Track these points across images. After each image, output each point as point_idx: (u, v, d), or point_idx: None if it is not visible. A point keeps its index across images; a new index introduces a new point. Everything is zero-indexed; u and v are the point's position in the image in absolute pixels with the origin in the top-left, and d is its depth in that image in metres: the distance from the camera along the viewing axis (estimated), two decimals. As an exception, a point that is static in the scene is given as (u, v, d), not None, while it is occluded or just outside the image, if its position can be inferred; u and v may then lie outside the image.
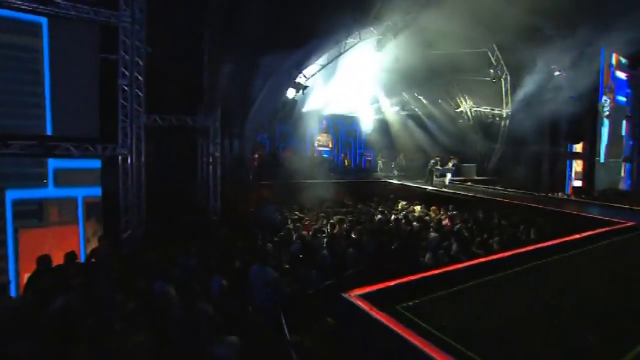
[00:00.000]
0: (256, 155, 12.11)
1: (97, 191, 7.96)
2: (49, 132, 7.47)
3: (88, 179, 7.92)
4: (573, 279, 4.06)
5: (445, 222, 7.97)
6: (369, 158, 19.82)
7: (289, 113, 12.08)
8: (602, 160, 16.15)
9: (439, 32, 12.18)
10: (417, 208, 9.71)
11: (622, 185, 18.12)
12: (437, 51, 13.05)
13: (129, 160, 7.77)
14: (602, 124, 16.26)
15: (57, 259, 5.15)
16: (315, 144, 18.03)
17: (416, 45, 12.40)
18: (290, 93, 11.63)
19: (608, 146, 16.51)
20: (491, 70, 13.32)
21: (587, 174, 16.16)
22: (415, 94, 16.54)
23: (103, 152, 7.58)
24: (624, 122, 18.45)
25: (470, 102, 15.57)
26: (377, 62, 13.18)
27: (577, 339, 2.65)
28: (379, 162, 17.85)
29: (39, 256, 4.87)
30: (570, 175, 15.73)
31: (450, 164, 12.49)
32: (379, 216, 8.35)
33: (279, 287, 4.54)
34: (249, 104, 11.53)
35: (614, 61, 17.07)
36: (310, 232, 6.61)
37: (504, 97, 14.20)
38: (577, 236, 5.55)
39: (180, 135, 8.56)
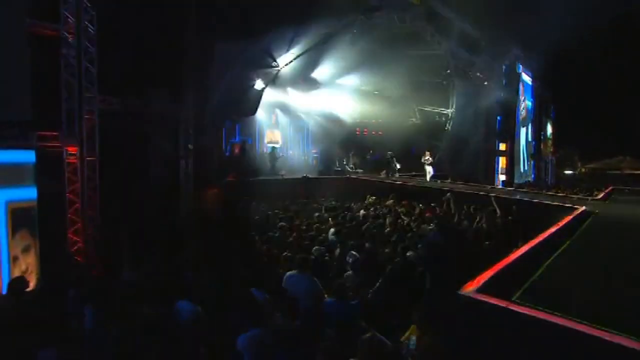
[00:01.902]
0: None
1: (28, 193, 6.03)
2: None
3: (14, 177, 5.95)
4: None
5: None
6: (316, 155, 19.66)
7: (253, 106, 11.09)
8: (522, 158, 18.79)
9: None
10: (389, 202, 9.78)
11: (530, 179, 21.48)
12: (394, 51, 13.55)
13: (78, 153, 6.13)
14: (520, 126, 18.95)
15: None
16: (265, 140, 17.13)
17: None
18: (259, 84, 10.68)
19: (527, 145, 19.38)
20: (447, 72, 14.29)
21: (509, 169, 18.64)
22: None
23: (39, 142, 5.82)
24: (530, 125, 21.88)
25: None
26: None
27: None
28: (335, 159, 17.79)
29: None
30: (498, 170, 17.85)
31: (428, 158, 12.97)
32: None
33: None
34: (206, 93, 10.27)
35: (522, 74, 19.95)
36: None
37: (450, 98, 15.39)
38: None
39: (139, 123, 7.09)
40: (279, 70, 11.05)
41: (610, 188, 13.98)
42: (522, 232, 6.09)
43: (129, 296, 3.69)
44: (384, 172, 14.49)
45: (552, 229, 5.27)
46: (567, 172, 27.41)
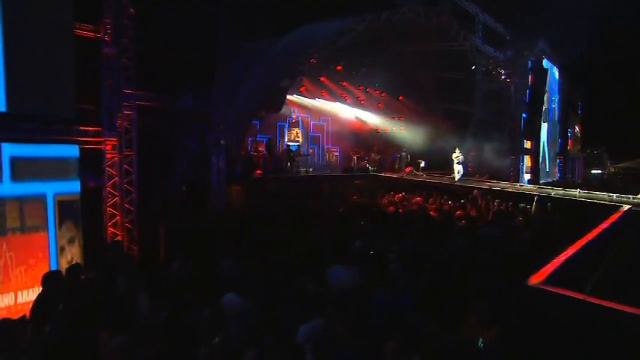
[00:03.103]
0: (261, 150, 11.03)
1: (72, 186, 6.20)
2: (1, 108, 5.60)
3: (60, 170, 6.13)
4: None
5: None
6: (336, 153, 19.61)
7: (279, 103, 11.12)
8: (547, 156, 18.25)
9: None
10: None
11: (556, 177, 20.85)
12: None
13: (117, 148, 6.25)
14: (543, 122, 18.43)
15: (19, 279, 3.84)
16: (286, 138, 17.19)
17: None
18: (284, 82, 10.70)
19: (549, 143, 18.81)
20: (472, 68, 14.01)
21: (534, 169, 18.12)
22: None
23: (82, 136, 5.97)
24: (557, 122, 21.23)
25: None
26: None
27: None
28: (354, 157, 17.70)
29: (45, 274, 3.52)
30: (523, 168, 17.38)
31: (458, 155, 12.76)
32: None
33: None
34: (230, 90, 10.35)
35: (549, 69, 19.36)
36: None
37: (475, 95, 15.08)
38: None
39: (171, 119, 7.19)
40: (303, 69, 11.03)
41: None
42: (563, 229, 5.92)
43: (179, 285, 3.75)
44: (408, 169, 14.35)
45: (603, 226, 5.09)
46: (594, 171, 26.45)
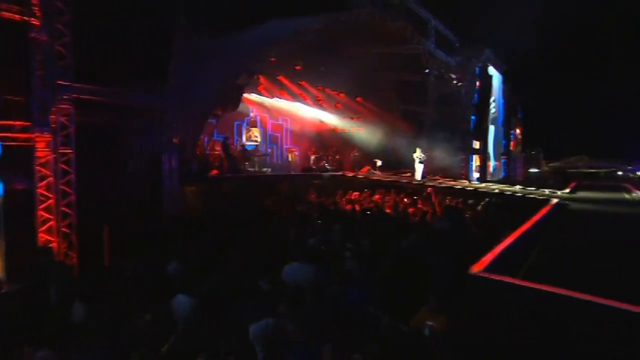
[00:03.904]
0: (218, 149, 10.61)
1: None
2: None
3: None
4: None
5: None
6: (296, 153, 19.57)
7: (237, 102, 10.83)
8: (492, 156, 19.58)
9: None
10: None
11: (501, 175, 22.46)
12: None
13: (51, 145, 5.69)
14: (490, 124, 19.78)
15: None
16: (244, 138, 16.83)
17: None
18: (241, 80, 10.45)
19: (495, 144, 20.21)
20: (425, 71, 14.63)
21: (482, 167, 19.38)
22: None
23: (5, 131, 5.36)
24: (501, 124, 22.88)
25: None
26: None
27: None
28: (313, 157, 17.75)
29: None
30: (473, 167, 18.50)
31: (420, 155, 13.14)
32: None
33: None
34: (184, 88, 9.92)
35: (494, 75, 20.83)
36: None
37: (429, 97, 15.79)
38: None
39: (123, 116, 6.70)
40: (261, 67, 10.85)
41: (574, 183, 15.09)
42: (505, 221, 6.35)
43: (122, 291, 3.47)
44: (365, 169, 14.66)
45: (536, 218, 5.52)
46: (532, 170, 28.88)
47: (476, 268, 2.99)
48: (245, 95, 14.86)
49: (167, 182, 6.95)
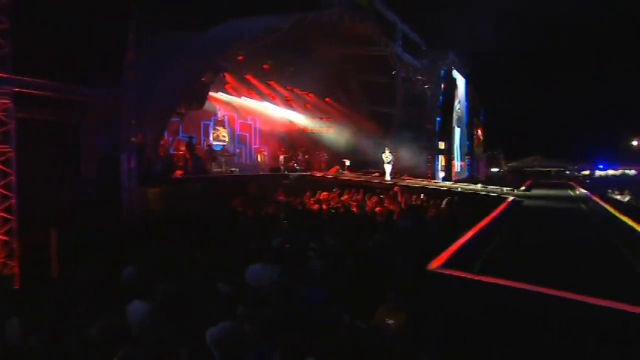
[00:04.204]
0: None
1: None
2: None
3: None
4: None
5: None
6: (265, 153, 19.35)
7: (202, 100, 10.50)
8: (457, 156, 20.39)
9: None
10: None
11: (465, 175, 23.47)
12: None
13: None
14: (456, 127, 20.62)
15: None
16: (211, 137, 16.40)
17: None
18: (207, 77, 10.15)
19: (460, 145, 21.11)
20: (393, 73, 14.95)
21: (447, 167, 20.14)
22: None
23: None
24: (464, 126, 23.92)
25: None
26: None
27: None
28: (281, 157, 17.61)
29: None
30: (439, 167, 19.16)
31: (388, 155, 13.28)
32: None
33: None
34: (146, 85, 9.50)
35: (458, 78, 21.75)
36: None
37: (396, 98, 16.16)
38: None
39: (77, 113, 6.27)
40: (227, 64, 10.61)
41: (529, 182, 16.12)
42: (467, 218, 6.61)
43: (64, 304, 3.22)
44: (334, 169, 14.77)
45: (493, 215, 5.79)
46: (493, 169, 30.46)
47: (434, 264, 3.07)
48: (212, 93, 14.47)
49: (126, 184, 6.59)
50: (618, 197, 9.69)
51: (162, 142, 10.79)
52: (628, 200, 8.82)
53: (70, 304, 3.48)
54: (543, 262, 3.48)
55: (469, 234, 4.10)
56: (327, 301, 3.44)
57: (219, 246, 5.33)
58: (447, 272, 2.88)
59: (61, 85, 5.94)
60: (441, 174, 19.88)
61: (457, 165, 21.93)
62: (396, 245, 4.36)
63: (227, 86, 14.70)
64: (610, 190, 11.23)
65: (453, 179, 19.36)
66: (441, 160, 19.69)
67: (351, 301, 3.76)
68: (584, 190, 9.80)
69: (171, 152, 11.91)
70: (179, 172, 10.38)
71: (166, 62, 9.86)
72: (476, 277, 2.79)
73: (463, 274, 2.82)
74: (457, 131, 21.92)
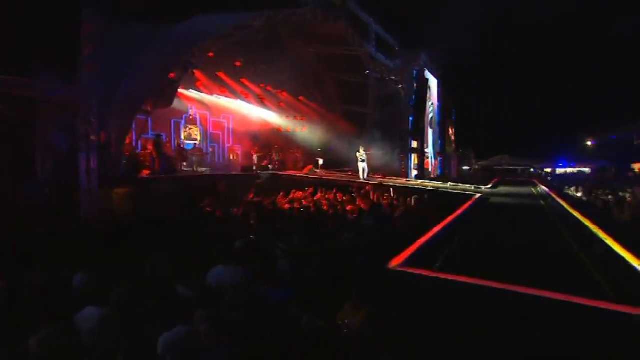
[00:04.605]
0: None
1: None
2: None
3: None
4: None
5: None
6: (239, 152, 19.07)
7: (170, 97, 10.17)
8: (430, 155, 20.89)
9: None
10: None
11: (437, 174, 24.09)
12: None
13: None
14: (429, 127, 21.10)
15: None
16: (182, 136, 15.96)
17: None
18: (175, 74, 9.83)
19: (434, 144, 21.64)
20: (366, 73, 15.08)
21: (420, 165, 20.60)
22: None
23: None
24: (437, 126, 24.54)
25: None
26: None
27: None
28: (255, 156, 17.39)
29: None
30: (412, 165, 19.56)
31: (362, 154, 13.29)
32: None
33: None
34: (110, 81, 9.10)
35: (430, 79, 22.28)
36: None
37: (370, 98, 16.33)
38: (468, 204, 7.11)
39: (32, 109, 5.89)
40: (197, 61, 10.33)
41: (496, 180, 16.83)
42: (435, 215, 6.76)
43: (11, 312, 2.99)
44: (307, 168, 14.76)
45: (458, 212, 5.95)
46: (465, 168, 31.48)
47: (394, 262, 3.09)
48: (183, 91, 14.09)
49: (85, 184, 6.25)
50: (573, 193, 10.29)
51: (128, 141, 10.39)
52: (580, 196, 9.39)
53: (9, 313, 3.25)
54: (499, 257, 3.61)
55: (432, 232, 4.18)
56: (289, 301, 3.41)
57: (184, 248, 5.17)
58: (406, 270, 2.92)
59: (11, 80, 5.56)
60: (414, 173, 20.32)
61: (430, 163, 22.48)
62: (360, 244, 4.39)
63: (198, 84, 14.35)
64: (567, 187, 11.92)
65: (426, 177, 19.83)
66: (414, 159, 20.10)
67: (317, 301, 3.75)
68: (544, 188, 10.30)
69: (138, 151, 11.48)
70: (145, 172, 10.01)
71: (132, 58, 9.47)
72: (434, 275, 2.84)
73: (421, 272, 2.86)
74: (430, 131, 22.47)
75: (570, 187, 11.78)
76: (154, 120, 13.69)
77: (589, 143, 36.31)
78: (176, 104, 14.66)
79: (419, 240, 3.72)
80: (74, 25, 5.88)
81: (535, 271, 3.18)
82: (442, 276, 2.86)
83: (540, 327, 2.43)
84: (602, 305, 2.13)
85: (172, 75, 10.17)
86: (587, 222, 4.32)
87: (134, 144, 12.10)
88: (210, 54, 11.72)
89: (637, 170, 29.13)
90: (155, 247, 5.12)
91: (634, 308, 2.08)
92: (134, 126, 11.72)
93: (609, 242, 3.40)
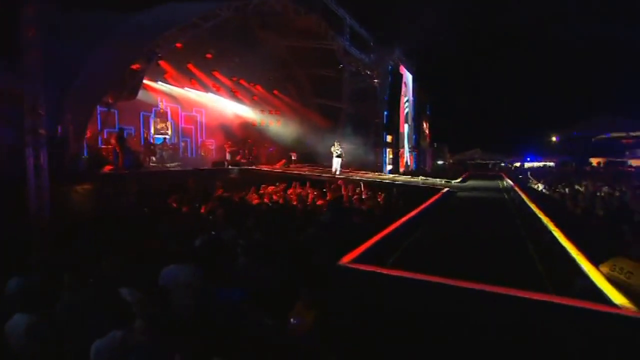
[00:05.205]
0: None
1: None
2: None
3: None
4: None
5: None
6: (212, 147, 18.64)
7: (134, 89, 9.72)
8: (406, 149, 21.15)
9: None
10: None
11: (412, 168, 24.48)
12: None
13: None
14: (405, 122, 21.34)
15: None
16: (152, 130, 15.40)
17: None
18: (138, 65, 9.40)
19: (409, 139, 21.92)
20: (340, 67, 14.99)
21: (395, 160, 20.83)
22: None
23: None
24: (412, 120, 24.86)
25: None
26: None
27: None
28: (228, 151, 17.05)
29: None
30: (386, 160, 19.74)
31: (337, 149, 13.17)
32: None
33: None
34: (67, 72, 8.59)
35: (405, 74, 22.48)
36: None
37: (344, 92, 16.30)
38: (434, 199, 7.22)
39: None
40: (162, 51, 9.92)
41: (467, 174, 17.26)
42: (402, 210, 6.80)
43: None
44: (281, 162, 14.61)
45: (422, 206, 6.01)
46: (439, 162, 32.17)
47: (345, 259, 3.05)
48: (151, 83, 13.56)
49: (33, 182, 5.86)
50: (535, 186, 10.72)
51: (89, 135, 9.90)
52: (541, 189, 9.80)
53: None
54: (453, 251, 3.65)
55: (390, 228, 4.18)
56: (241, 301, 3.32)
57: (140, 247, 4.96)
58: (355, 267, 2.88)
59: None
60: (389, 167, 20.54)
61: (405, 158, 22.79)
62: (320, 241, 4.34)
63: (166, 76, 13.84)
64: (531, 180, 12.41)
65: (400, 171, 20.09)
66: (389, 153, 20.31)
67: (270, 300, 3.68)
68: (510, 182, 10.65)
69: (101, 146, 10.97)
70: (108, 168, 9.57)
71: (90, 46, 8.98)
72: (380, 271, 2.81)
73: (369, 268, 2.83)
74: (406, 126, 22.74)
75: (535, 180, 12.27)
76: (121, 113, 13.13)
77: (554, 139, 38.15)
78: (144, 96, 14.15)
79: (375, 237, 3.70)
80: (12, 8, 5.43)
81: (483, 263, 3.23)
82: (389, 272, 2.84)
83: (475, 321, 2.44)
84: (536, 297, 2.17)
85: (136, 66, 9.72)
86: (540, 215, 4.46)
87: (100, 138, 11.58)
88: (178, 45, 11.29)
89: (594, 164, 30.83)
90: (108, 248, 4.88)
91: (563, 299, 2.13)
92: (99, 120, 11.20)
93: (556, 233, 3.51)
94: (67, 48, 8.32)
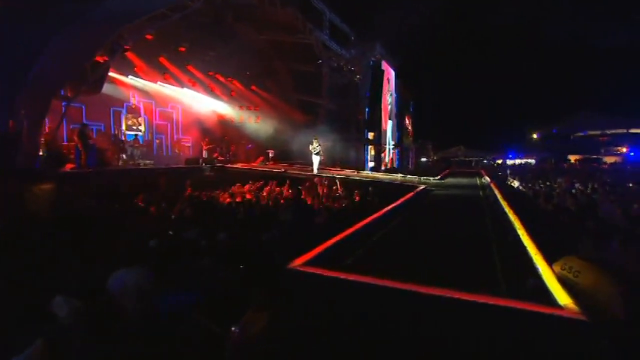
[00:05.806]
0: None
1: None
2: None
3: None
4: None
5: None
6: (188, 144, 18.07)
7: (98, 82, 9.19)
8: (389, 147, 21.06)
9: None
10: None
11: (395, 165, 24.42)
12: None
13: None
14: (389, 118, 21.24)
15: None
16: (123, 126, 14.77)
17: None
18: (102, 56, 8.87)
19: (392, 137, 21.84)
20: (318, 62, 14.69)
21: (377, 157, 20.71)
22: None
23: None
24: (395, 117, 24.79)
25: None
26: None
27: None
28: (205, 148, 16.54)
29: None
30: (368, 157, 19.60)
31: (316, 146, 12.84)
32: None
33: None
34: (19, 62, 8.02)
35: (387, 70, 22.36)
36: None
37: (323, 88, 16.00)
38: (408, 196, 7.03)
39: None
40: (127, 43, 9.41)
41: (447, 171, 17.32)
42: (377, 207, 6.60)
43: None
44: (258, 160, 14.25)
45: (392, 205, 5.81)
46: (422, 159, 32.31)
47: (297, 261, 2.80)
48: (120, 77, 12.96)
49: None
50: (512, 183, 10.75)
51: (47, 130, 9.33)
52: (517, 186, 9.81)
53: None
54: (415, 253, 3.44)
55: (352, 228, 3.95)
56: (192, 306, 3.05)
57: (93, 251, 4.58)
58: (307, 269, 2.63)
59: None
60: (370, 164, 20.40)
61: (388, 155, 22.70)
62: (280, 241, 4.08)
63: (137, 69, 13.25)
64: (510, 177, 12.47)
65: (383, 168, 19.97)
66: (370, 150, 20.17)
67: (225, 305, 3.41)
68: (487, 179, 10.62)
69: (63, 142, 10.39)
70: (69, 166, 9.03)
71: (46, 36, 8.40)
72: (331, 274, 2.57)
73: (321, 271, 2.59)
74: (389, 123, 22.64)
75: (513, 177, 12.33)
76: (89, 108, 12.51)
77: (535, 136, 38.98)
78: (114, 91, 13.54)
79: (334, 237, 3.45)
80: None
81: (443, 263, 3.03)
82: (341, 276, 2.61)
83: (432, 324, 2.26)
84: (491, 301, 1.97)
85: (100, 58, 9.20)
86: (509, 213, 4.31)
87: (64, 134, 10.96)
88: (148, 37, 10.79)
89: (572, 161, 31.63)
90: (57, 252, 4.49)
91: (517, 302, 1.96)
92: (65, 116, 10.56)
93: (520, 231, 3.34)
94: (19, 36, 7.77)
